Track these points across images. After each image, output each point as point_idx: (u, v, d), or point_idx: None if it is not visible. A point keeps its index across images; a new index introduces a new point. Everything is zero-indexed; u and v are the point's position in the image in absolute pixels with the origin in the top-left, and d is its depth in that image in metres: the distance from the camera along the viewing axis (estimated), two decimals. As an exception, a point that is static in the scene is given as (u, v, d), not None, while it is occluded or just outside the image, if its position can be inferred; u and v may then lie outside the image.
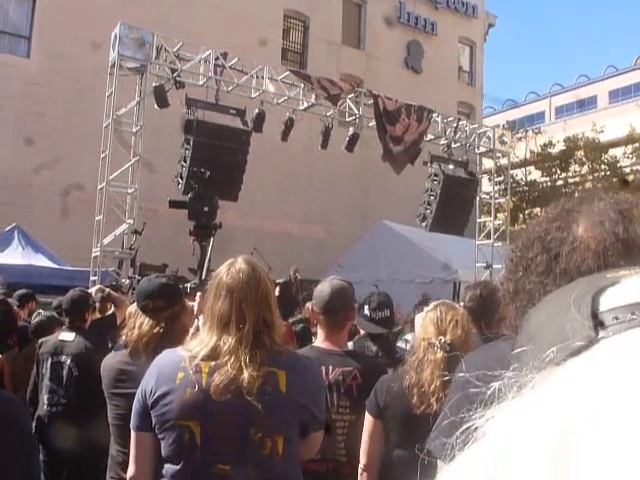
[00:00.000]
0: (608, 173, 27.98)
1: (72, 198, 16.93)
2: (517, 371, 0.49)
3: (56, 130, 17.86)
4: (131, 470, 2.27)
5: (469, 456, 0.46)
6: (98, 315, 5.92)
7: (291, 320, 7.12)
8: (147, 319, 2.88)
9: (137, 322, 2.90)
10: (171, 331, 2.84)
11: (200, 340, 2.15)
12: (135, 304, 3.02)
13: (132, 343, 2.87)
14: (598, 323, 0.49)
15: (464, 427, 0.48)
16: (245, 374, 2.02)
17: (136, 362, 2.81)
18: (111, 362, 3.05)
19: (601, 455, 0.38)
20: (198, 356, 2.08)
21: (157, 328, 2.85)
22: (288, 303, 9.07)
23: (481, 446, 0.45)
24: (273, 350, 2.13)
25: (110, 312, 5.42)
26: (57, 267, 12.12)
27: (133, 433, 2.23)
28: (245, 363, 2.04)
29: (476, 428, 0.46)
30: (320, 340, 3.11)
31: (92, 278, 11.44)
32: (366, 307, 3.85)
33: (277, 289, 10.25)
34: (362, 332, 4.11)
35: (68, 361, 4.79)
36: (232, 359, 2.05)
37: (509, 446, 0.43)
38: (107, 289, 6.70)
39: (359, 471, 2.82)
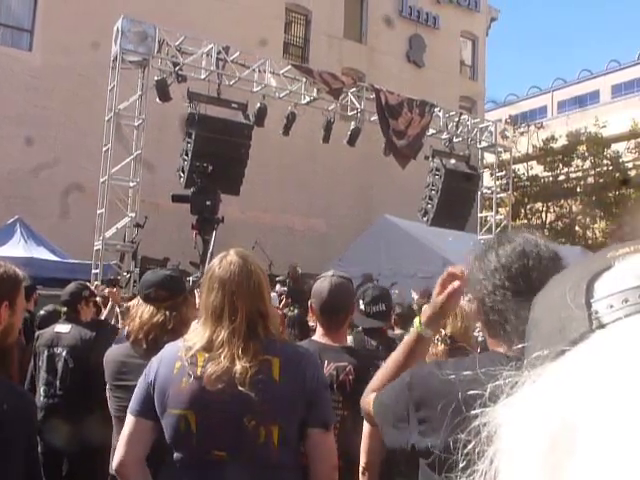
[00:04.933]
0: (610, 168, 27.95)
1: (74, 192, 16.93)
2: (516, 368, 0.49)
3: (59, 124, 17.85)
4: (120, 453, 2.16)
5: (474, 451, 0.47)
6: (101, 308, 5.99)
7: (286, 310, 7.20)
8: (148, 308, 2.93)
9: (138, 312, 2.95)
10: (171, 321, 2.88)
11: (196, 332, 2.18)
12: (137, 298, 3.06)
13: (134, 333, 2.92)
14: (593, 312, 0.47)
15: (469, 425, 0.49)
16: (238, 366, 2.04)
17: (138, 353, 2.85)
18: (113, 355, 3.08)
19: (597, 448, 0.39)
20: (194, 347, 2.12)
21: (157, 316, 2.89)
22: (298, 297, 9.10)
23: (482, 442, 0.46)
24: (268, 339, 2.14)
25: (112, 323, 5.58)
26: (59, 260, 12.14)
27: (130, 417, 2.19)
28: (238, 355, 2.06)
29: (479, 425, 0.47)
30: (319, 335, 3.12)
31: (94, 271, 11.49)
32: (361, 301, 3.82)
33: (282, 290, 10.18)
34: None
35: (64, 353, 4.79)
36: (225, 351, 2.08)
37: (508, 440, 0.44)
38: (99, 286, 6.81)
39: (360, 470, 2.79)
